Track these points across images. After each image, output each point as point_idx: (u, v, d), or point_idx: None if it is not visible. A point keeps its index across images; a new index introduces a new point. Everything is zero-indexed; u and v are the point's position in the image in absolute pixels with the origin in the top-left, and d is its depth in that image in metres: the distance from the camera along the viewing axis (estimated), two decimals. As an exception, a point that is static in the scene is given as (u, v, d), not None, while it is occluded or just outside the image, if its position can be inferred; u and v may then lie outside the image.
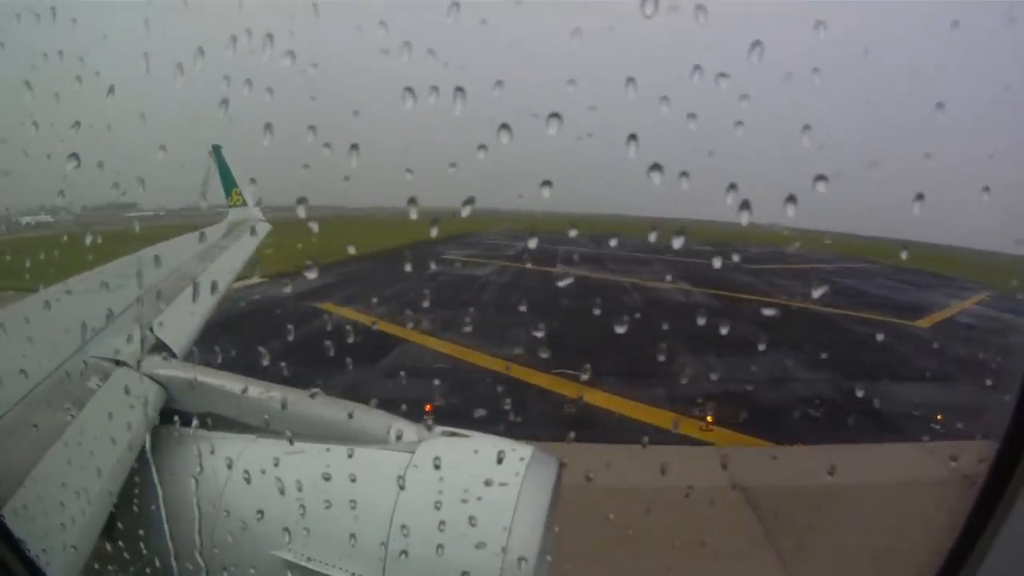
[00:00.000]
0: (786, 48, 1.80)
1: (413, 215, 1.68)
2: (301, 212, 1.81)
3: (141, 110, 2.05)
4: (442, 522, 1.88)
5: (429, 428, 2.21)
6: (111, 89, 2.10)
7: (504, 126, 1.61)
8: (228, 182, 10.66)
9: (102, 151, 2.13)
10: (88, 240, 2.43)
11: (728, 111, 1.66)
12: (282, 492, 2.05)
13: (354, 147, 1.71)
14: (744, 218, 1.70)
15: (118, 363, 2.62)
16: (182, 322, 3.58)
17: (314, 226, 1.81)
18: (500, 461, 2.00)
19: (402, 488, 1.98)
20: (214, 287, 4.52)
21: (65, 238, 2.61)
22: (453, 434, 2.19)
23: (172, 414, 2.42)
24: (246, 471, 2.15)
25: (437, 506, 1.90)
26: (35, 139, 2.27)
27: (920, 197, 1.81)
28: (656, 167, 1.64)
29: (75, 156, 2.16)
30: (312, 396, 2.26)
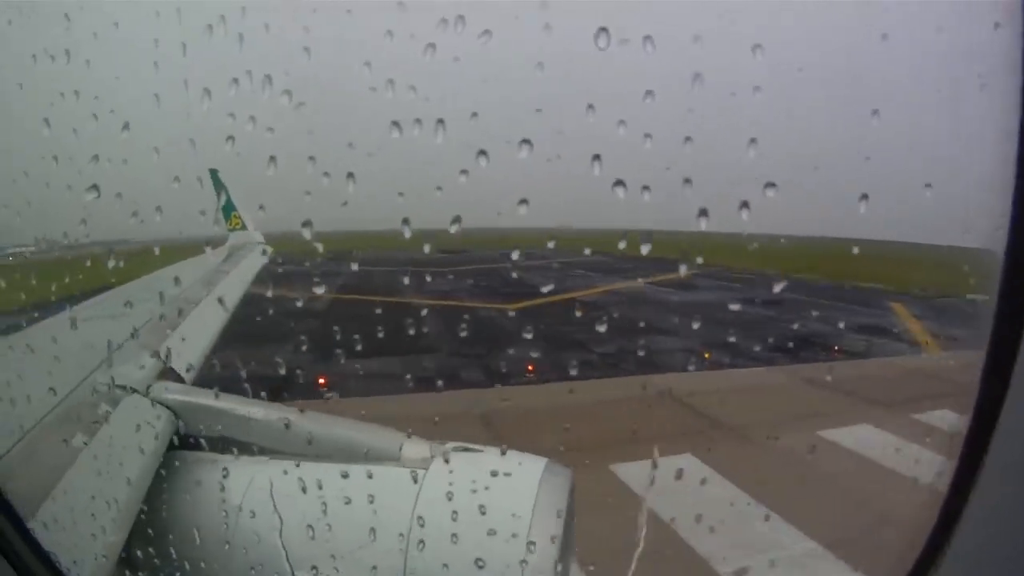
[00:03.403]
0: (728, 69, 2.00)
1: (407, 234, 1.89)
2: (307, 234, 2.02)
3: (155, 144, 2.24)
4: (459, 535, 1.92)
5: (441, 444, 2.26)
6: (126, 125, 2.28)
7: (482, 152, 1.82)
8: (228, 206, 10.76)
9: (120, 183, 2.33)
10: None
11: (680, 129, 1.85)
12: (295, 512, 2.09)
13: (350, 175, 1.91)
14: (703, 224, 1.89)
15: (127, 390, 2.65)
16: (188, 347, 3.62)
17: (319, 246, 2.01)
18: (514, 473, 2.05)
19: (417, 504, 2.01)
20: (219, 311, 4.61)
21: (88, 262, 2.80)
22: (465, 449, 2.23)
23: (183, 439, 2.48)
24: (259, 493, 2.18)
25: (453, 520, 1.94)
26: (55, 172, 2.46)
27: (864, 197, 2.00)
28: (619, 183, 1.84)
29: (95, 187, 2.35)
30: (326, 399, 2.37)
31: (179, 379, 3.13)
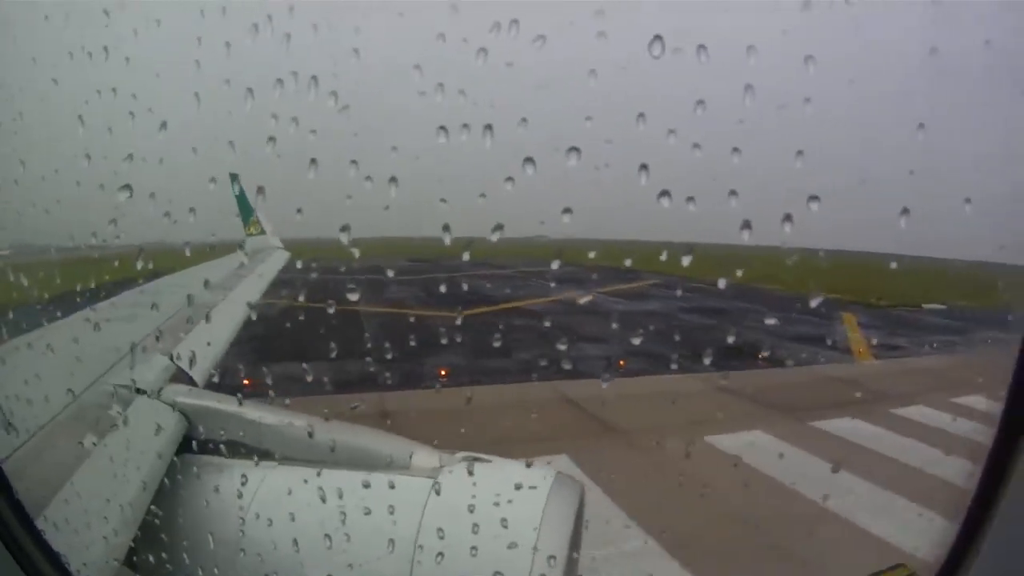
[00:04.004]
0: (780, 81, 1.99)
1: (447, 241, 1.87)
2: (344, 238, 1.99)
3: (193, 145, 2.23)
4: (466, 545, 1.91)
5: (451, 453, 2.26)
6: (163, 125, 2.27)
7: (529, 159, 1.81)
8: (246, 211, 10.76)
9: (154, 183, 2.31)
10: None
11: (728, 140, 1.84)
12: (303, 519, 2.08)
13: (393, 179, 1.90)
14: (745, 237, 1.88)
15: (139, 391, 2.66)
16: (202, 350, 3.63)
17: (356, 251, 1.99)
18: (522, 484, 2.03)
19: (424, 513, 2.00)
20: (233, 315, 4.59)
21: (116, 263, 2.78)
22: (475, 459, 2.22)
23: (193, 442, 2.47)
24: (267, 498, 2.18)
25: (460, 530, 1.93)
26: (87, 171, 2.44)
27: (906, 211, 1.99)
28: (665, 193, 1.83)
29: (128, 187, 2.33)
30: (353, 409, 2.35)
31: (191, 382, 3.16)
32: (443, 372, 13.26)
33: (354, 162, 1.93)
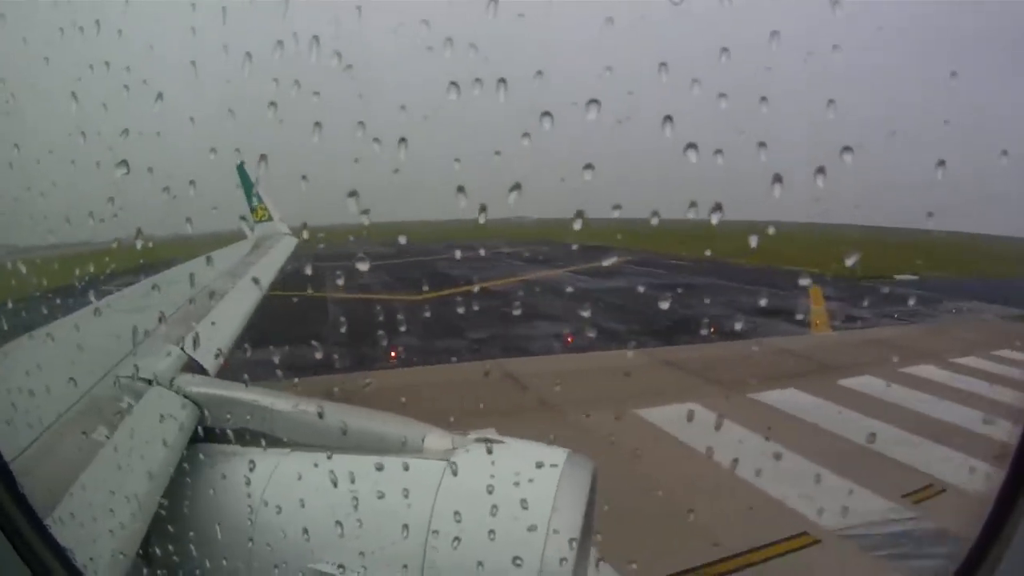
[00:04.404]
0: (806, 27, 1.89)
1: (462, 203, 1.77)
2: (352, 205, 1.90)
3: (191, 115, 2.14)
4: (480, 526, 1.88)
5: (463, 435, 2.23)
6: (159, 96, 2.18)
7: (546, 113, 1.71)
8: (254, 198, 10.74)
9: (152, 157, 2.22)
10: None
11: (755, 90, 1.74)
12: (318, 505, 2.05)
13: (402, 140, 1.80)
14: (776, 191, 1.78)
15: (150, 382, 2.64)
16: (212, 339, 3.58)
17: (365, 219, 1.89)
18: (535, 464, 2.01)
19: (438, 496, 1.98)
20: (243, 303, 4.54)
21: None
22: (487, 440, 2.19)
23: (206, 431, 2.44)
24: (277, 485, 2.15)
25: (477, 512, 1.91)
26: (83, 148, 2.36)
27: (942, 163, 1.87)
28: (691, 146, 1.73)
29: (124, 163, 2.24)
30: (365, 387, 2.31)
31: (203, 371, 3.11)
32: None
33: (361, 124, 1.84)
